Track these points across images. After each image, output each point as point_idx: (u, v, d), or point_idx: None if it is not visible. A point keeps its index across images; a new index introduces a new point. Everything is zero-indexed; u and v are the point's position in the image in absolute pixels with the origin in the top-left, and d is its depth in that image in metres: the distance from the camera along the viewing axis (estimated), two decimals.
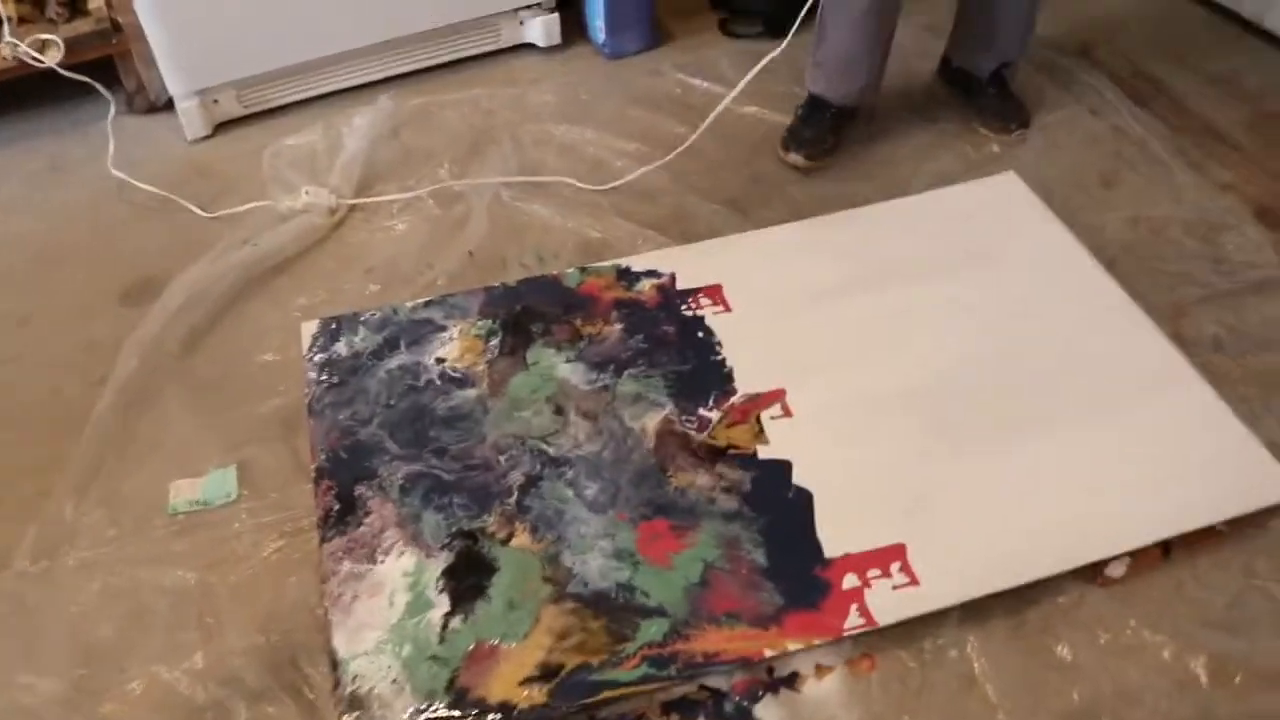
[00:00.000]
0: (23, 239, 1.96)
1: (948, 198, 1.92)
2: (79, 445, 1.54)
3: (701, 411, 1.54)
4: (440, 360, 1.64)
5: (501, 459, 1.49)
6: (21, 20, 2.07)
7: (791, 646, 1.26)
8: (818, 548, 1.36)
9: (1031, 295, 1.70)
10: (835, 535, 1.37)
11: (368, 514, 1.42)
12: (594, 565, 1.35)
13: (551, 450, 1.50)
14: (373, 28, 2.19)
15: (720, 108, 1.92)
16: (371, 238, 1.93)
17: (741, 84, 1.86)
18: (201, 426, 1.58)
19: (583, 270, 1.79)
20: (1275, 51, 2.28)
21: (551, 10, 2.34)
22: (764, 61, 1.82)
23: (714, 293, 1.73)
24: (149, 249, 1.91)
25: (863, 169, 2.02)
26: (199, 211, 1.97)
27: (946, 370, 1.58)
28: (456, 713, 1.21)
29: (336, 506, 1.43)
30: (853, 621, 1.28)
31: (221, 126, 2.20)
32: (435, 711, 1.21)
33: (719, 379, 1.59)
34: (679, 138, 2.09)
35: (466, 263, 1.86)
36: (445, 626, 1.29)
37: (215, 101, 2.17)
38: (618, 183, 1.98)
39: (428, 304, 1.74)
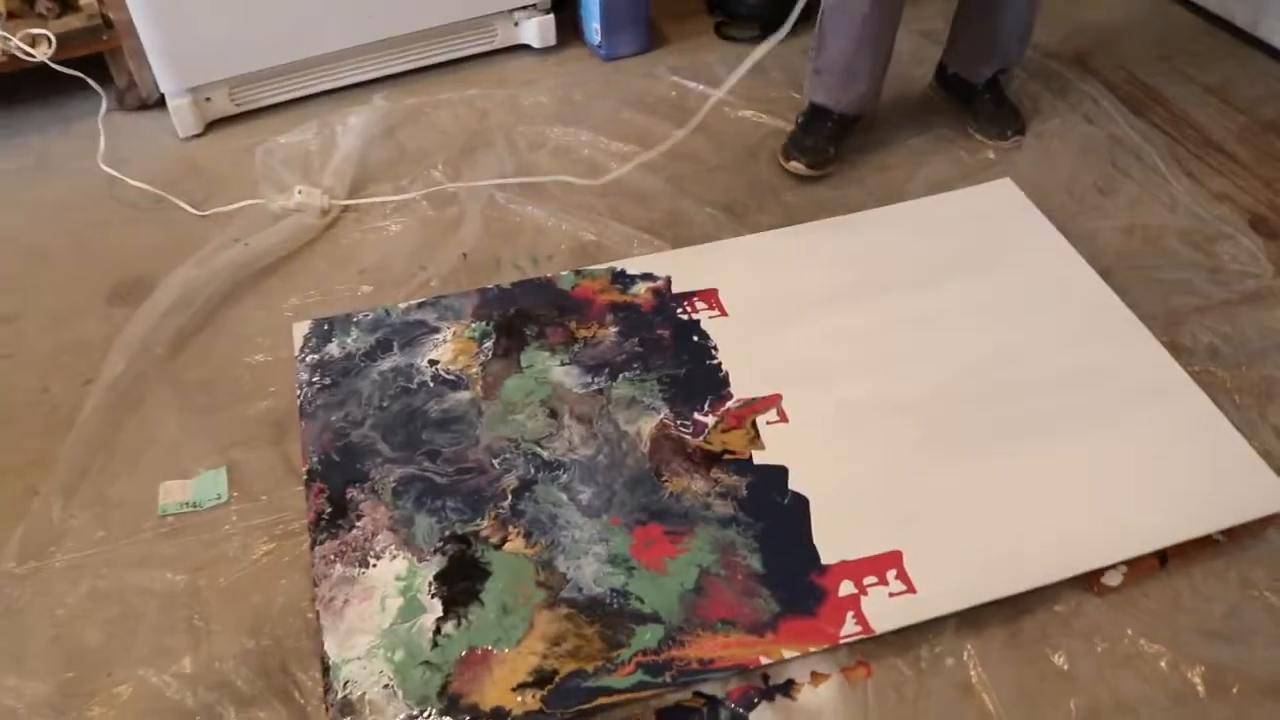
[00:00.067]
0: (10, 236, 1.93)
1: (943, 204, 1.92)
2: (67, 446, 1.52)
3: (697, 416, 1.53)
4: (433, 362, 1.63)
5: (495, 462, 1.48)
6: (11, 15, 2.06)
7: (787, 654, 1.25)
8: (814, 554, 1.35)
9: (1027, 302, 1.70)
10: (832, 542, 1.36)
11: (359, 517, 1.41)
12: (588, 570, 1.34)
13: (545, 454, 1.49)
14: (367, 27, 2.18)
15: (709, 105, 1.90)
16: (364, 238, 1.92)
17: (731, 81, 1.83)
18: (191, 428, 1.57)
19: (577, 273, 1.78)
20: (1268, 61, 2.29)
21: (547, 12, 2.34)
22: (753, 58, 1.80)
23: (710, 296, 1.72)
24: (139, 247, 1.89)
25: (858, 174, 2.02)
26: (190, 210, 1.95)
27: (943, 377, 1.57)
28: (449, 719, 1.19)
29: (328, 509, 1.42)
30: (849, 629, 1.27)
31: (213, 124, 2.19)
32: (428, 717, 1.20)
33: (715, 383, 1.58)
34: (674, 140, 2.09)
35: (460, 264, 1.85)
36: (438, 631, 1.28)
37: (207, 99, 2.15)
38: (610, 177, 1.96)
39: (421, 305, 1.73)
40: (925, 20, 2.34)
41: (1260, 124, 2.11)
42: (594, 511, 1.41)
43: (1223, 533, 1.38)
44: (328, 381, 1.60)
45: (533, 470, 1.46)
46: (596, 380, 1.59)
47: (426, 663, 1.25)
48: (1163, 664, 1.27)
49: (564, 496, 1.43)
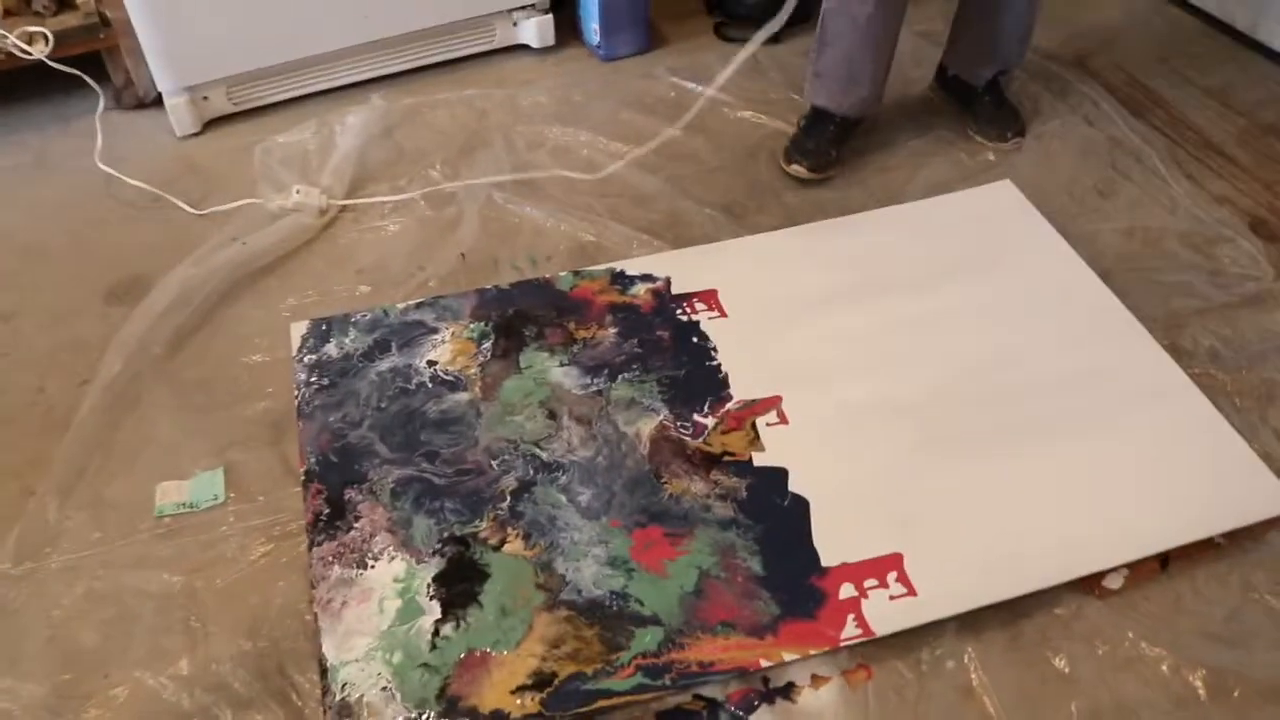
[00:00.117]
0: (7, 234, 1.92)
1: (943, 205, 1.91)
2: (63, 446, 1.52)
3: (696, 418, 1.53)
4: (432, 363, 1.62)
5: (494, 463, 1.47)
6: (8, 12, 2.05)
7: (788, 657, 1.25)
8: (814, 557, 1.34)
9: (1028, 304, 1.69)
10: (832, 544, 1.36)
11: (358, 518, 1.40)
12: (587, 572, 1.34)
13: (544, 455, 1.48)
14: (366, 26, 2.17)
15: (701, 101, 1.89)
16: (362, 238, 1.91)
17: (723, 77, 1.82)
18: (188, 428, 1.56)
19: (576, 273, 1.78)
20: (1269, 64, 2.28)
21: (546, 12, 2.33)
22: (746, 52, 1.77)
23: (709, 297, 1.72)
24: (136, 246, 1.88)
25: (858, 176, 2.02)
26: (187, 209, 1.95)
27: (943, 379, 1.57)
28: None
29: (326, 510, 1.41)
30: (849, 632, 1.26)
31: (211, 123, 2.18)
32: None
33: (714, 385, 1.58)
34: (673, 141, 2.08)
35: (458, 265, 1.84)
36: (436, 633, 1.27)
37: (205, 98, 2.14)
38: (606, 172, 1.96)
39: (419, 306, 1.72)
40: (925, 21, 2.34)
41: (1260, 127, 2.11)
42: (593, 513, 1.40)
43: (1224, 536, 1.38)
44: (325, 382, 1.59)
45: (532, 471, 1.46)
46: (596, 381, 1.58)
47: (425, 665, 1.24)
48: (1164, 667, 1.27)
49: (563, 498, 1.42)
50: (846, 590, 1.31)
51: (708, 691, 1.24)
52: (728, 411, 1.53)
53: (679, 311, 1.70)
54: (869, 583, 1.31)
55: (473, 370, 1.61)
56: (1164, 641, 1.29)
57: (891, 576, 1.32)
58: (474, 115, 2.20)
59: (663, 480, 1.44)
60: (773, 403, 1.54)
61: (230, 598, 1.35)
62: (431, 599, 1.31)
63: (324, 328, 1.68)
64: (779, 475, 1.44)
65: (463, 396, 1.56)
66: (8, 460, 1.52)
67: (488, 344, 1.65)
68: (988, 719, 1.22)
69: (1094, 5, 2.50)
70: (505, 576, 1.33)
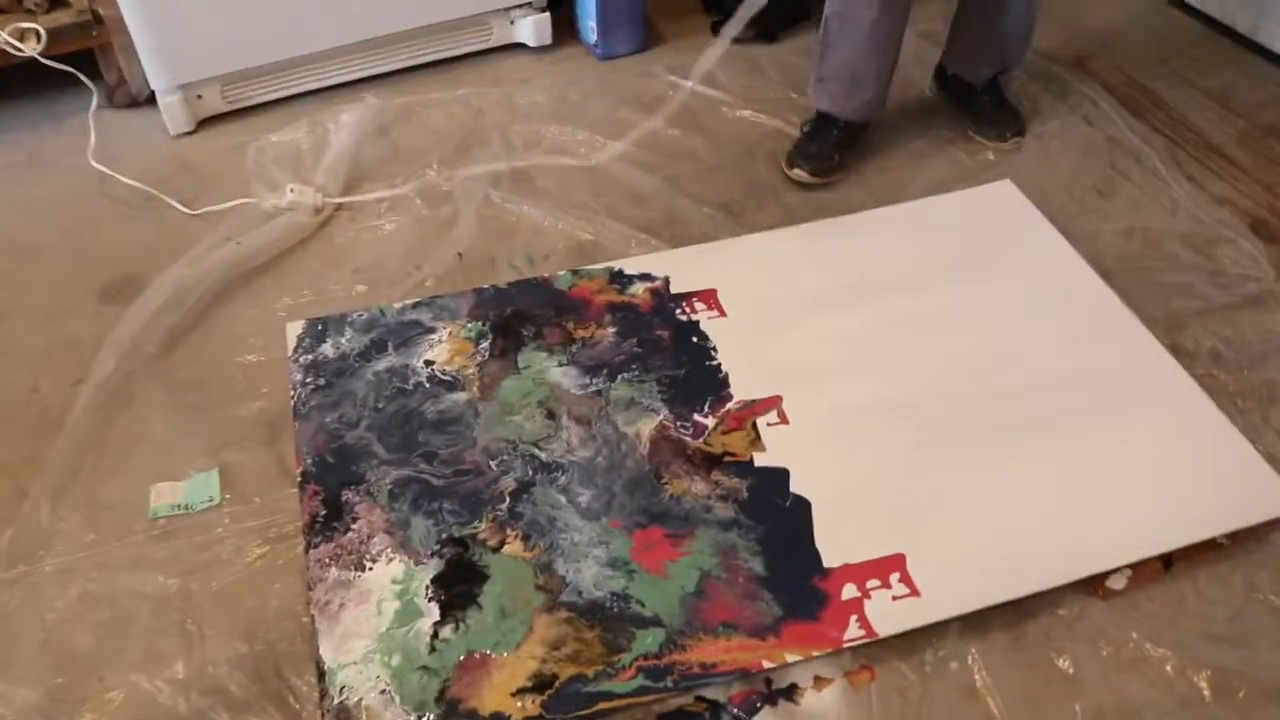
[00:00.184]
0: (0, 232, 1.90)
1: (944, 205, 1.91)
2: (57, 446, 1.50)
3: (697, 418, 1.52)
4: (429, 363, 1.61)
5: (492, 464, 1.46)
6: (0, 10, 2.03)
7: (790, 658, 1.24)
8: (816, 557, 1.33)
9: (1029, 304, 1.69)
10: (834, 545, 1.35)
11: (355, 520, 1.39)
12: (588, 574, 1.32)
13: (544, 455, 1.47)
14: (361, 24, 2.16)
15: (682, 95, 1.87)
16: (358, 237, 1.90)
17: (703, 66, 1.78)
18: (183, 429, 1.54)
19: (574, 273, 1.77)
20: (1268, 66, 2.28)
21: (543, 10, 2.32)
22: (724, 38, 1.75)
23: (709, 297, 1.71)
24: (129, 246, 1.86)
25: (858, 175, 2.01)
26: (181, 208, 1.93)
27: (945, 379, 1.56)
28: None
29: (323, 512, 1.40)
30: (852, 633, 1.25)
31: (205, 122, 2.16)
32: None
33: (714, 384, 1.57)
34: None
35: (455, 264, 1.83)
36: (435, 635, 1.26)
37: (199, 97, 2.13)
38: (595, 160, 1.96)
39: (416, 305, 1.71)
40: (925, 21, 2.33)
41: (1260, 128, 2.11)
42: (593, 514, 1.39)
43: (1227, 536, 1.37)
44: (322, 382, 1.58)
45: (531, 472, 1.44)
46: (595, 381, 1.57)
47: (424, 667, 1.23)
48: (1168, 668, 1.26)
49: (563, 499, 1.41)
50: (849, 591, 1.30)
51: (710, 693, 1.23)
52: (728, 411, 1.52)
53: (678, 311, 1.69)
54: (871, 583, 1.30)
55: (470, 370, 1.59)
56: (1168, 642, 1.28)
57: (894, 577, 1.31)
58: (470, 114, 2.18)
59: (663, 481, 1.43)
60: (773, 402, 1.53)
61: (226, 600, 1.33)
62: (430, 601, 1.29)
63: (320, 327, 1.67)
64: (780, 475, 1.43)
65: (461, 397, 1.55)
66: (1, 461, 1.50)
67: (485, 344, 1.63)
68: None
69: (1094, 6, 2.49)
70: (505, 578, 1.32)
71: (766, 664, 1.23)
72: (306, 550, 1.36)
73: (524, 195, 1.95)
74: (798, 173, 1.95)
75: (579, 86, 2.27)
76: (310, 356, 1.62)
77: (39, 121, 2.16)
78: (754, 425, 1.50)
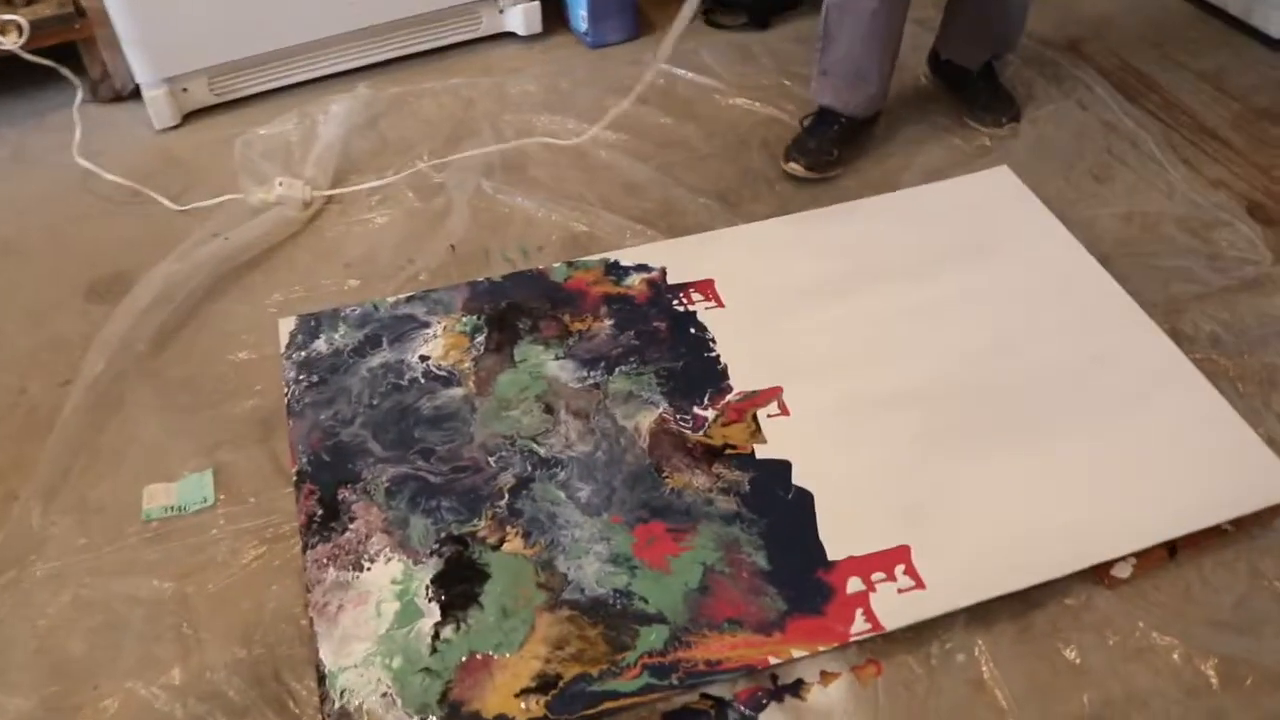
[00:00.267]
0: None
1: (940, 192, 1.89)
2: (46, 449, 1.47)
3: (696, 410, 1.50)
4: (424, 358, 1.58)
5: (491, 460, 1.44)
6: None
7: (796, 653, 1.22)
8: (821, 550, 1.32)
9: (1029, 291, 1.67)
10: (838, 537, 1.33)
11: (352, 519, 1.37)
12: (590, 570, 1.31)
13: (542, 451, 1.45)
14: (350, 14, 2.13)
15: (652, 73, 1.81)
16: (349, 231, 1.87)
17: (668, 45, 1.72)
18: (174, 429, 1.52)
19: (570, 264, 1.75)
20: (1262, 48, 2.27)
21: None
22: (683, 18, 1.70)
23: (706, 287, 1.69)
24: (116, 242, 1.83)
25: (854, 163, 1.99)
26: (168, 204, 1.90)
27: (945, 367, 1.55)
28: None
29: (319, 511, 1.38)
30: (859, 626, 1.24)
31: (191, 115, 2.13)
32: None
33: (713, 376, 1.55)
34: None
35: (448, 257, 1.80)
36: (436, 636, 1.24)
37: (184, 90, 2.10)
38: (578, 139, 1.95)
39: (409, 299, 1.69)
40: (918, 7, 2.29)
41: (1255, 111, 2.10)
42: (594, 509, 1.37)
43: (1231, 522, 1.36)
44: (315, 379, 1.56)
45: (529, 468, 1.43)
46: (592, 374, 1.55)
47: (425, 669, 1.21)
48: (1175, 656, 1.25)
49: (562, 494, 1.39)
50: (854, 584, 1.28)
51: (715, 690, 1.21)
52: (728, 403, 1.51)
53: (675, 302, 1.67)
54: (876, 576, 1.29)
55: (466, 365, 1.57)
56: (1174, 630, 1.27)
57: (899, 569, 1.29)
58: (460, 104, 2.16)
59: (664, 474, 1.41)
60: (773, 394, 1.52)
61: (222, 603, 1.31)
62: (430, 601, 1.28)
63: (313, 323, 1.65)
64: (782, 468, 1.42)
65: (457, 392, 1.53)
66: None
67: (481, 338, 1.61)
68: (999, 711, 1.20)
69: None
70: (505, 576, 1.30)
71: (773, 660, 1.21)
72: (303, 551, 1.34)
73: (517, 186, 1.93)
74: (793, 166, 1.93)
75: (569, 76, 2.25)
76: (303, 353, 1.60)
77: (21, 117, 2.12)
78: (754, 417, 1.49)
